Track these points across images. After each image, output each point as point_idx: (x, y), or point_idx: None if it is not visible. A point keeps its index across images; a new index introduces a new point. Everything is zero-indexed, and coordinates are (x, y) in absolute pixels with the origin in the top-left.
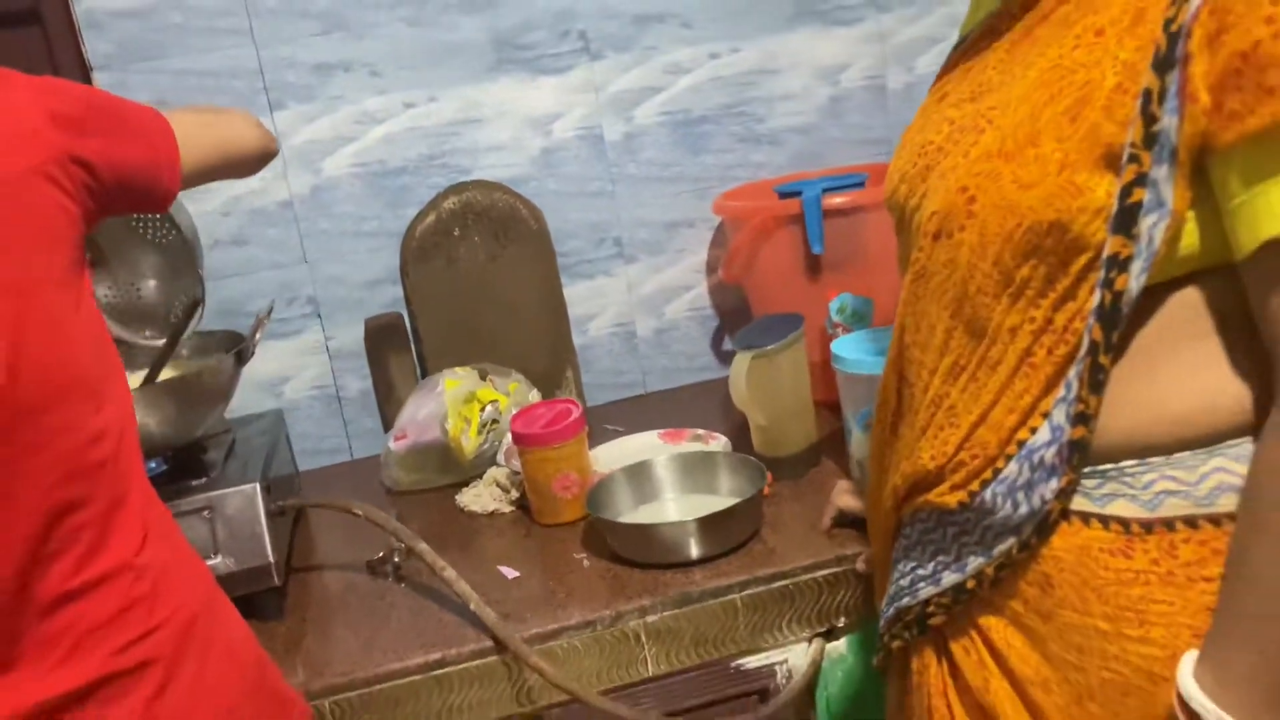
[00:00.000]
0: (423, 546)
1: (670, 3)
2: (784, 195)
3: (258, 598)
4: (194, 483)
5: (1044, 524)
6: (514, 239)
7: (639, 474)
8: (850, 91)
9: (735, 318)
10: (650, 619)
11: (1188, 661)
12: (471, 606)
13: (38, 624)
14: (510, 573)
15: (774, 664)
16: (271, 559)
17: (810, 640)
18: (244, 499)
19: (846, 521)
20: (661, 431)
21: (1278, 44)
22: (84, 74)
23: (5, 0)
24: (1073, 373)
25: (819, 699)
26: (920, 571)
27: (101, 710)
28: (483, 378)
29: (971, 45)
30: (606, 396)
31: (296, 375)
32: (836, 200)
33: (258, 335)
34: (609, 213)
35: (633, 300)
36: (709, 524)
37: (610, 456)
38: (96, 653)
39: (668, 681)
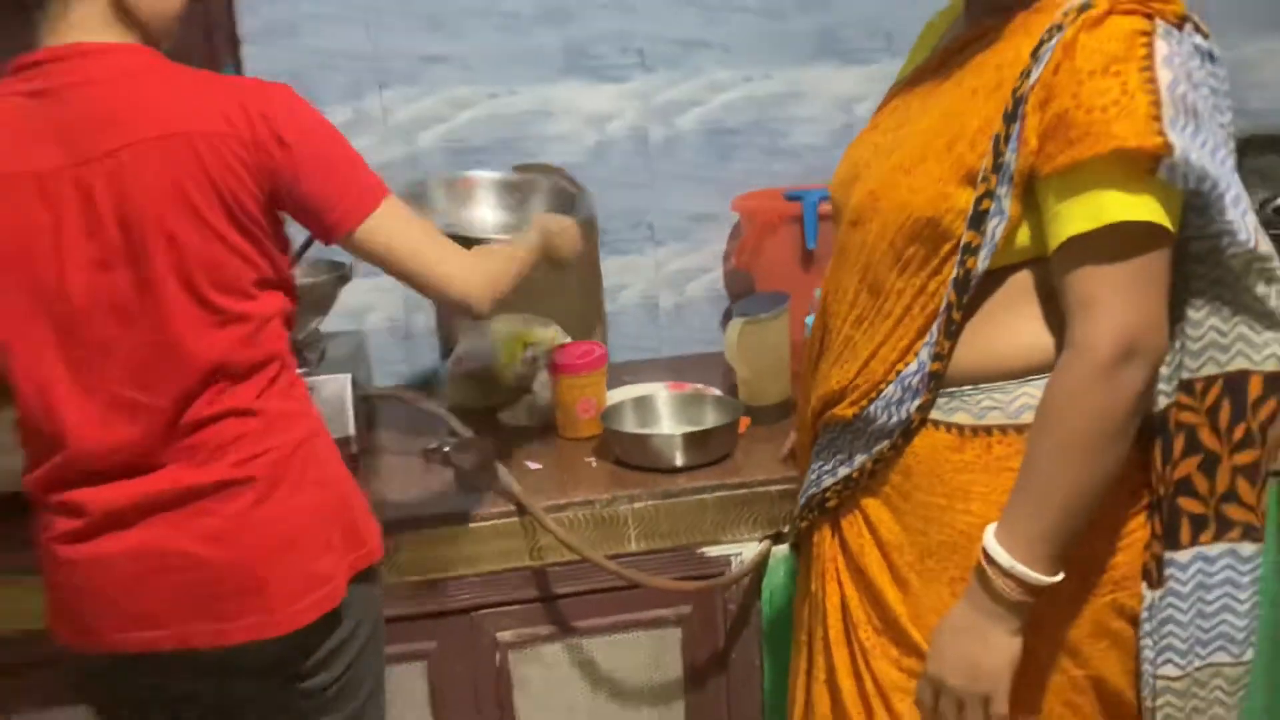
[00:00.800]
0: (470, 432)
1: (716, 32)
2: (789, 199)
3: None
4: (299, 370)
5: (908, 430)
6: (564, 214)
7: (643, 405)
8: (861, 119)
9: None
10: (637, 505)
11: (991, 527)
12: (500, 477)
13: (184, 437)
14: (534, 465)
15: (730, 555)
16: (352, 433)
17: (761, 540)
18: (337, 385)
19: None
20: (668, 383)
21: (1078, 113)
22: (235, 46)
23: None
24: (935, 324)
25: (764, 589)
26: (824, 468)
27: (221, 504)
28: (525, 324)
29: (901, 88)
30: (627, 356)
31: (375, 308)
32: (829, 206)
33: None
34: (646, 201)
35: (658, 277)
36: (692, 439)
37: (623, 398)
38: (220, 464)
39: (645, 557)
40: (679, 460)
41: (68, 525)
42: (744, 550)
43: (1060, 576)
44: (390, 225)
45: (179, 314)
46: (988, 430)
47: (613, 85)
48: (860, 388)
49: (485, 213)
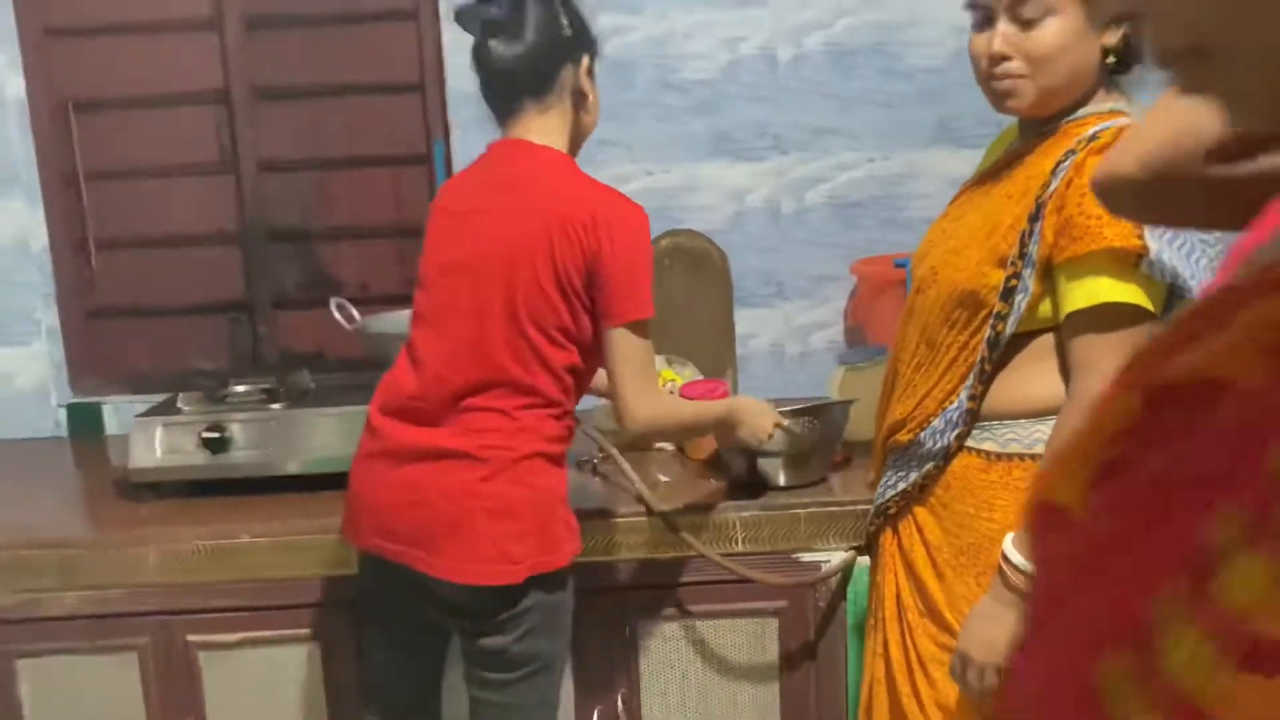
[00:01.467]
0: (615, 451)
1: (843, 120)
2: (898, 266)
3: None
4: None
5: (948, 453)
6: (705, 272)
7: None
8: None
9: None
10: (744, 514)
11: (1010, 534)
12: (637, 486)
13: (459, 413)
14: (664, 478)
15: (820, 560)
16: None
17: (848, 550)
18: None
19: None
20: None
21: (1080, 218)
22: (445, 131)
23: (391, 73)
24: (973, 372)
25: (850, 591)
26: (888, 483)
27: (460, 469)
28: (668, 363)
29: (967, 187)
30: (756, 394)
31: None
32: None
33: None
34: (776, 263)
35: (786, 329)
36: (792, 461)
37: None
38: (474, 440)
39: (749, 557)
40: (781, 480)
41: (370, 445)
42: (832, 557)
43: None
44: (628, 339)
45: (495, 328)
46: (1009, 457)
47: (750, 164)
48: (916, 418)
49: None
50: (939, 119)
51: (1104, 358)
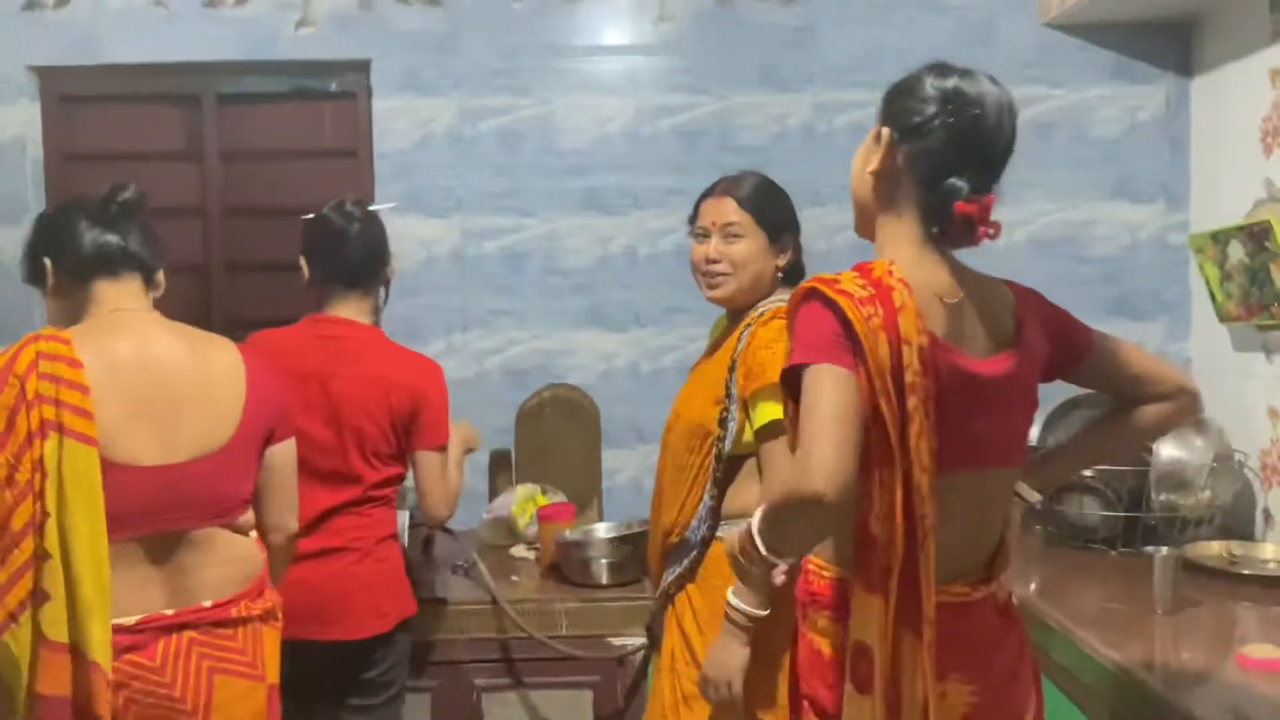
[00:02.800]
0: (476, 557)
1: (689, 301)
2: None
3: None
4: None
5: (706, 543)
6: (578, 418)
7: (592, 542)
8: None
9: None
10: (569, 605)
11: (730, 589)
12: (489, 584)
13: (330, 520)
14: (515, 579)
15: (627, 643)
16: (407, 547)
17: (647, 634)
18: (402, 519)
19: None
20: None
21: (755, 366)
22: None
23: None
24: (709, 481)
25: (650, 669)
26: (669, 574)
27: (337, 560)
28: (543, 491)
29: (698, 362)
30: (619, 518)
31: None
32: None
33: None
34: (637, 411)
35: (643, 466)
36: (614, 565)
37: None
38: (342, 537)
39: (571, 639)
40: (604, 578)
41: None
42: (636, 640)
43: (766, 612)
44: (430, 463)
45: (351, 459)
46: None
47: (617, 334)
48: (680, 523)
49: None
50: None
51: (777, 461)
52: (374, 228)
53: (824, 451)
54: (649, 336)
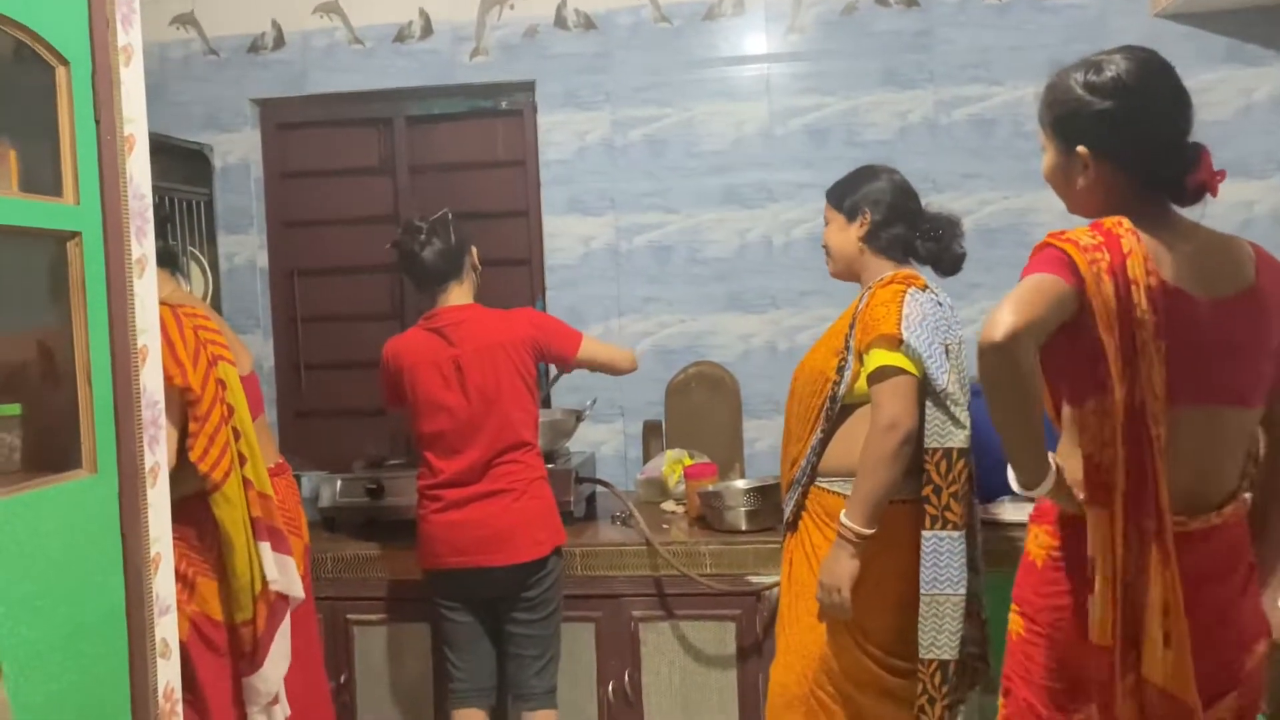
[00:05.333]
0: (631, 506)
1: (820, 284)
2: None
3: (564, 514)
4: (549, 465)
5: (814, 469)
6: (721, 392)
7: (732, 493)
8: None
9: None
10: (711, 547)
11: (842, 510)
12: (641, 528)
13: (489, 471)
14: (666, 527)
15: (764, 581)
16: (571, 499)
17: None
18: (565, 474)
19: None
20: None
21: (870, 323)
22: (543, 292)
23: (510, 253)
24: (823, 417)
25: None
26: (789, 499)
27: (499, 500)
28: (690, 456)
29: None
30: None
31: (607, 442)
32: None
33: (587, 412)
34: (777, 386)
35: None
36: (751, 514)
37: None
38: (502, 481)
39: (715, 576)
40: (742, 525)
41: (434, 506)
42: (771, 578)
43: (872, 531)
44: (586, 344)
45: (503, 417)
46: (835, 493)
47: (755, 315)
48: (802, 453)
49: None
50: None
51: (884, 399)
52: (442, 233)
53: (1000, 311)
54: (784, 317)
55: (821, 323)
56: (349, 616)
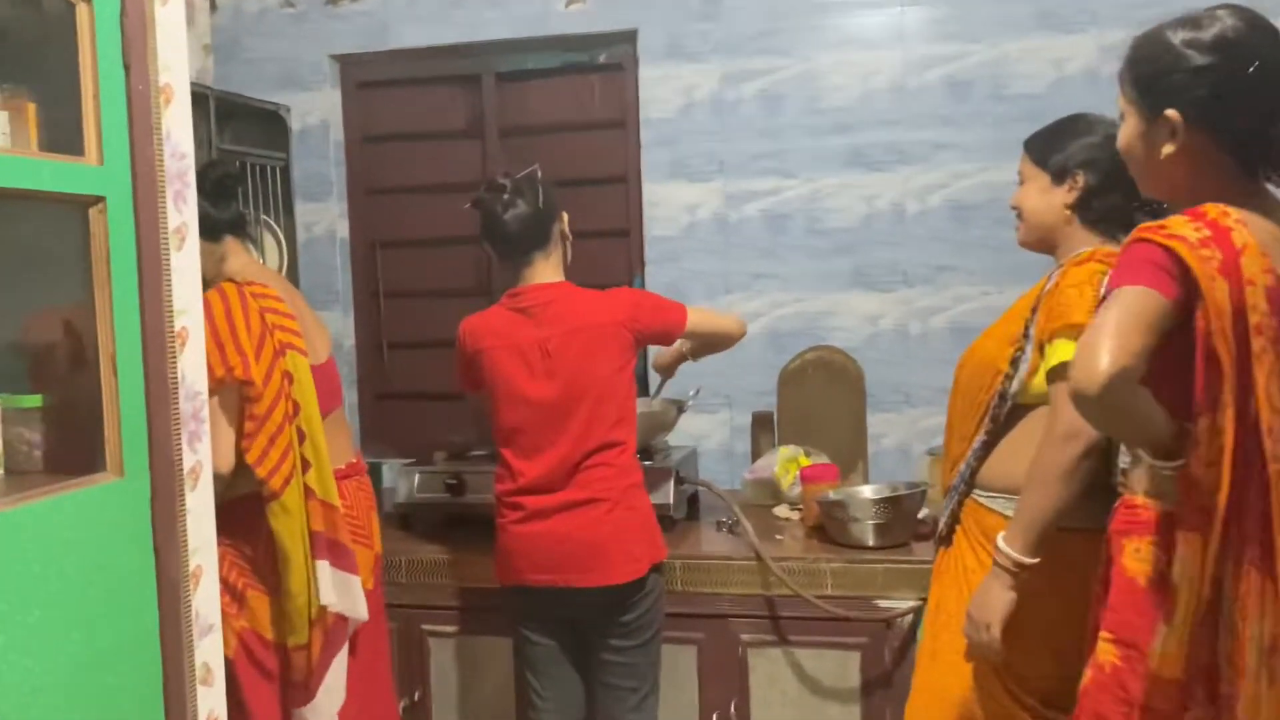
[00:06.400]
0: (740, 513)
1: (960, 259)
2: None
3: (662, 519)
4: (646, 463)
5: (973, 474)
6: (842, 381)
7: (856, 502)
8: None
9: None
10: (834, 565)
11: (1000, 534)
12: (751, 539)
13: (576, 475)
14: (780, 538)
15: (895, 607)
16: (670, 503)
17: (919, 600)
18: (665, 474)
19: None
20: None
21: (1057, 306)
22: (642, 267)
23: (606, 223)
24: (989, 415)
25: (919, 634)
26: (944, 509)
27: (589, 510)
28: (806, 454)
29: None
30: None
31: (711, 435)
32: None
33: (689, 402)
34: (905, 375)
35: (912, 431)
36: (880, 527)
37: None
38: (592, 489)
39: (837, 599)
40: (870, 540)
41: (514, 515)
42: (904, 604)
43: (1035, 560)
44: (696, 320)
45: (595, 413)
46: (993, 511)
47: (881, 294)
48: (964, 456)
49: None
50: (1043, 261)
51: (1064, 403)
52: (529, 194)
53: (1094, 353)
54: (917, 297)
55: (959, 304)
56: (424, 627)
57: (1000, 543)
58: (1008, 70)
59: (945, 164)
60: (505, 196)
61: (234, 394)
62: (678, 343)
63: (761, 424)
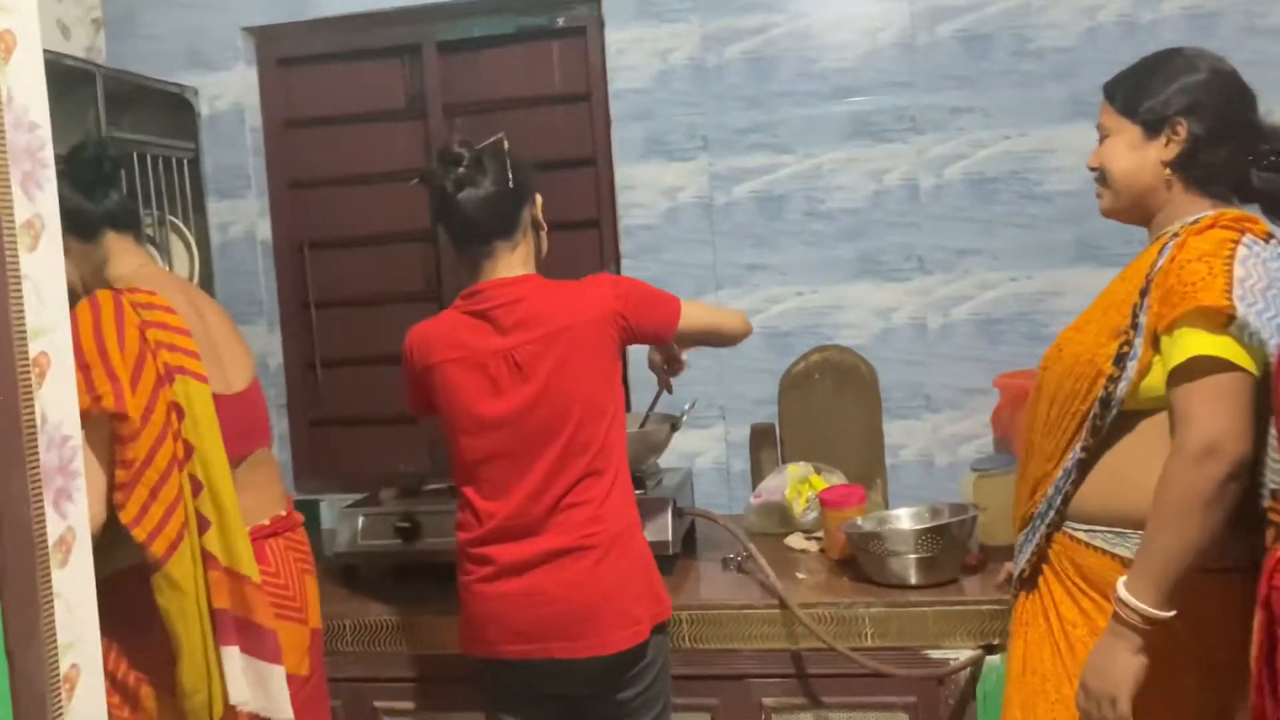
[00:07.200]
0: (754, 549)
1: (986, 242)
2: None
3: (659, 558)
4: (636, 491)
5: (1065, 502)
6: (853, 385)
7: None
8: None
9: None
10: (873, 610)
11: (1121, 579)
12: (772, 582)
13: (555, 516)
14: (801, 576)
15: (949, 658)
16: (669, 538)
17: (976, 648)
18: (661, 503)
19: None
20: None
21: (1179, 286)
22: (617, 260)
23: (573, 212)
24: (1085, 430)
25: (979, 692)
26: (1023, 546)
27: (574, 561)
28: (817, 471)
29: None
30: (905, 504)
31: (704, 453)
32: None
33: (684, 418)
34: (923, 376)
35: (934, 439)
36: (923, 561)
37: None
38: (576, 534)
39: (878, 651)
40: (912, 579)
41: (480, 571)
42: (960, 655)
43: (1171, 614)
44: (689, 309)
45: (572, 436)
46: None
47: (895, 284)
48: (1046, 476)
49: None
50: (1078, 238)
51: (1199, 410)
52: (493, 169)
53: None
54: (936, 285)
55: (985, 291)
56: (376, 704)
57: (1122, 592)
58: (1032, 20)
59: (963, 131)
60: (461, 170)
61: (103, 430)
62: None
63: (762, 438)
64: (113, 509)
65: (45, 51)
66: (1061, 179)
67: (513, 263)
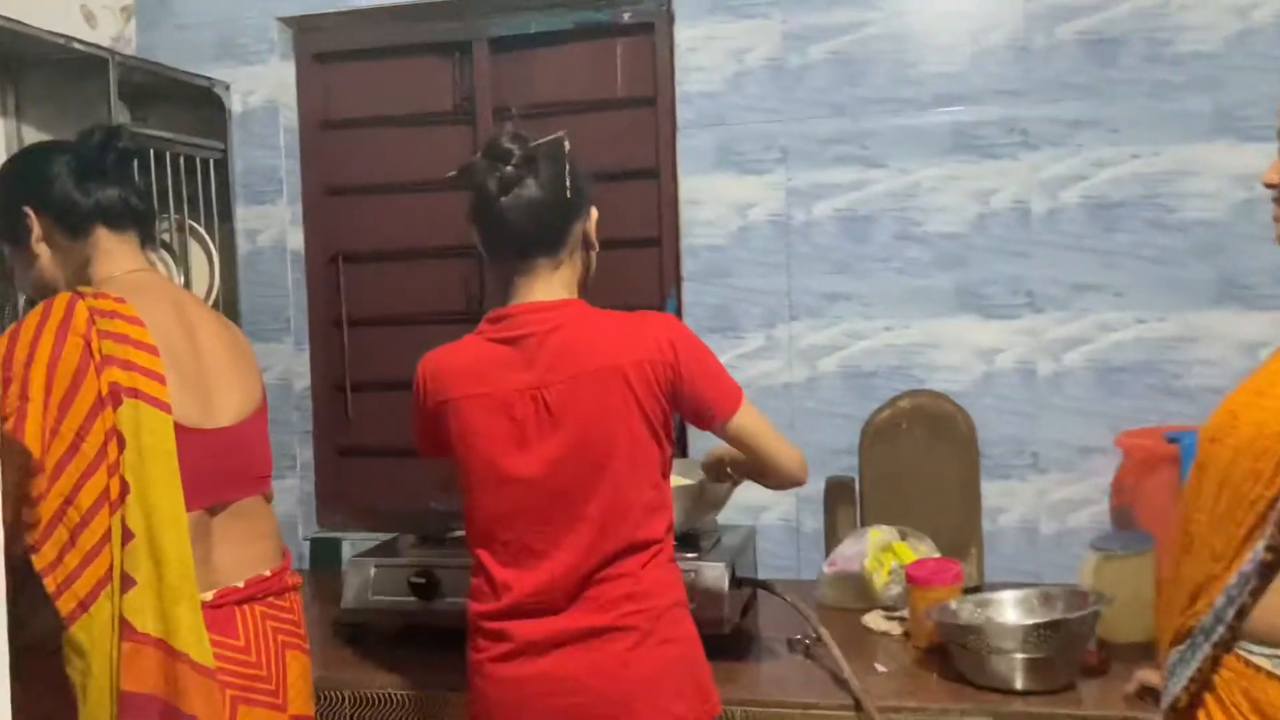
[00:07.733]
0: (825, 632)
1: (1109, 277)
2: (1170, 440)
3: (710, 638)
4: (689, 554)
5: (1240, 615)
6: (947, 437)
7: (995, 624)
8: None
9: None
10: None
11: None
12: (845, 676)
13: (587, 590)
14: (881, 668)
15: None
16: (725, 614)
17: None
18: (716, 572)
19: (1145, 693)
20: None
21: None
22: (678, 284)
23: (629, 229)
24: (1271, 524)
25: None
26: (1178, 667)
27: (607, 644)
28: (902, 537)
29: None
30: (1002, 576)
31: (771, 508)
32: None
33: None
34: (1030, 430)
35: (1040, 504)
36: (1033, 664)
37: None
38: (611, 612)
39: None
40: (1018, 683)
41: (495, 649)
42: None
43: None
44: (748, 416)
45: (612, 493)
46: None
47: (1000, 322)
48: (1218, 585)
49: None
50: (1220, 275)
51: None
52: (547, 171)
53: None
54: (1048, 325)
55: (1106, 334)
56: None
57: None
58: (1171, 21)
59: (1084, 148)
60: (509, 169)
61: (11, 461)
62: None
63: (839, 494)
64: (26, 557)
65: (54, 35)
66: (1201, 206)
67: (553, 284)
